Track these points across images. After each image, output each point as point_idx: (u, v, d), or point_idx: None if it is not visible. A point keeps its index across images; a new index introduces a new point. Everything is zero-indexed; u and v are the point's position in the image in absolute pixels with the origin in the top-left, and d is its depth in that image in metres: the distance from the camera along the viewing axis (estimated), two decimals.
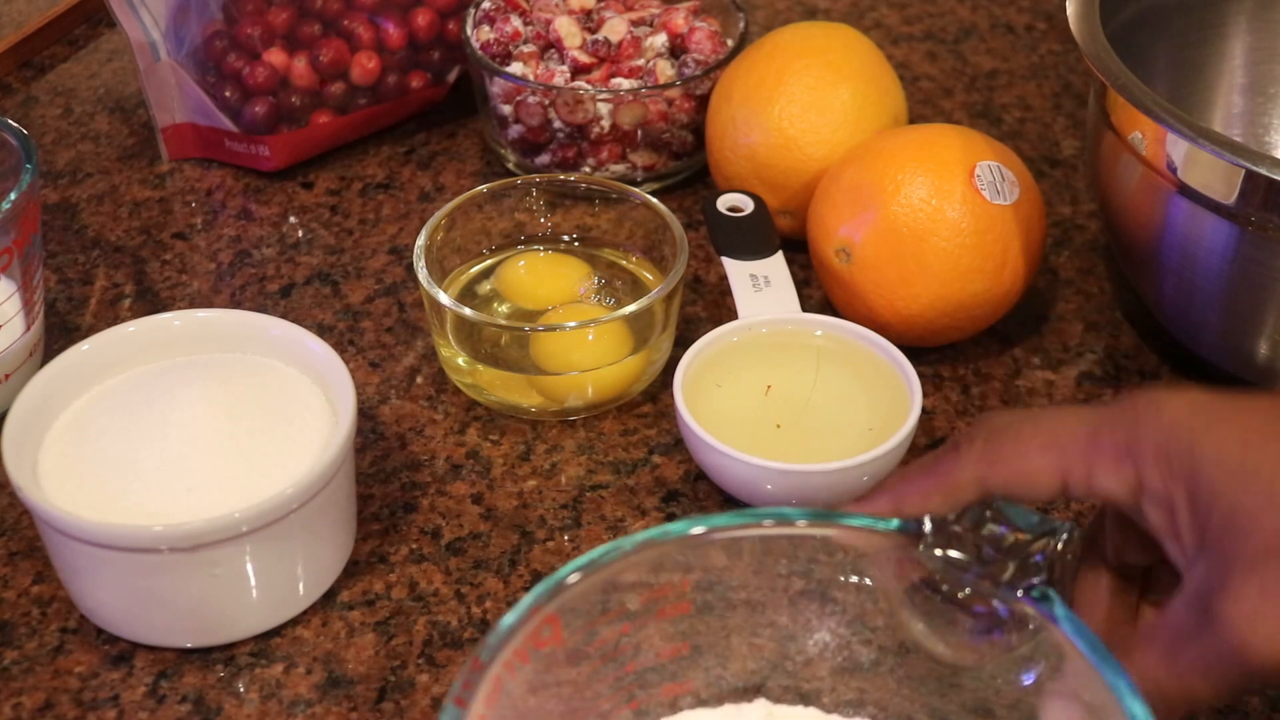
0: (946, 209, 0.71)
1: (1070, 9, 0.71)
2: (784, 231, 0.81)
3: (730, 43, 0.86)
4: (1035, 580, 0.47)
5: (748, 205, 0.78)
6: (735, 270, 0.75)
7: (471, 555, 0.66)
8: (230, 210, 0.85)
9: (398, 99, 0.88)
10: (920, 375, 0.67)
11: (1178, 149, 0.65)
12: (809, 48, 0.80)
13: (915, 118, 0.87)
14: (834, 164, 0.76)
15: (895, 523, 0.48)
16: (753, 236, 0.77)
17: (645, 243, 0.76)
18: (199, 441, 0.61)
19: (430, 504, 0.68)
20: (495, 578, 0.65)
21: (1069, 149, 0.90)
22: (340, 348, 0.75)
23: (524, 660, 0.47)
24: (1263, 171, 0.62)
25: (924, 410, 0.62)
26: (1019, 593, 0.47)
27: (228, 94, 0.86)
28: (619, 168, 0.84)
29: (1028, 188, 0.73)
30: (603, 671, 0.50)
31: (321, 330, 0.77)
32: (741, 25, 0.86)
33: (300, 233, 0.84)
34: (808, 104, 0.78)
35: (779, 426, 0.67)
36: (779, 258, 0.76)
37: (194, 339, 0.67)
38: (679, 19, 0.86)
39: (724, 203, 0.78)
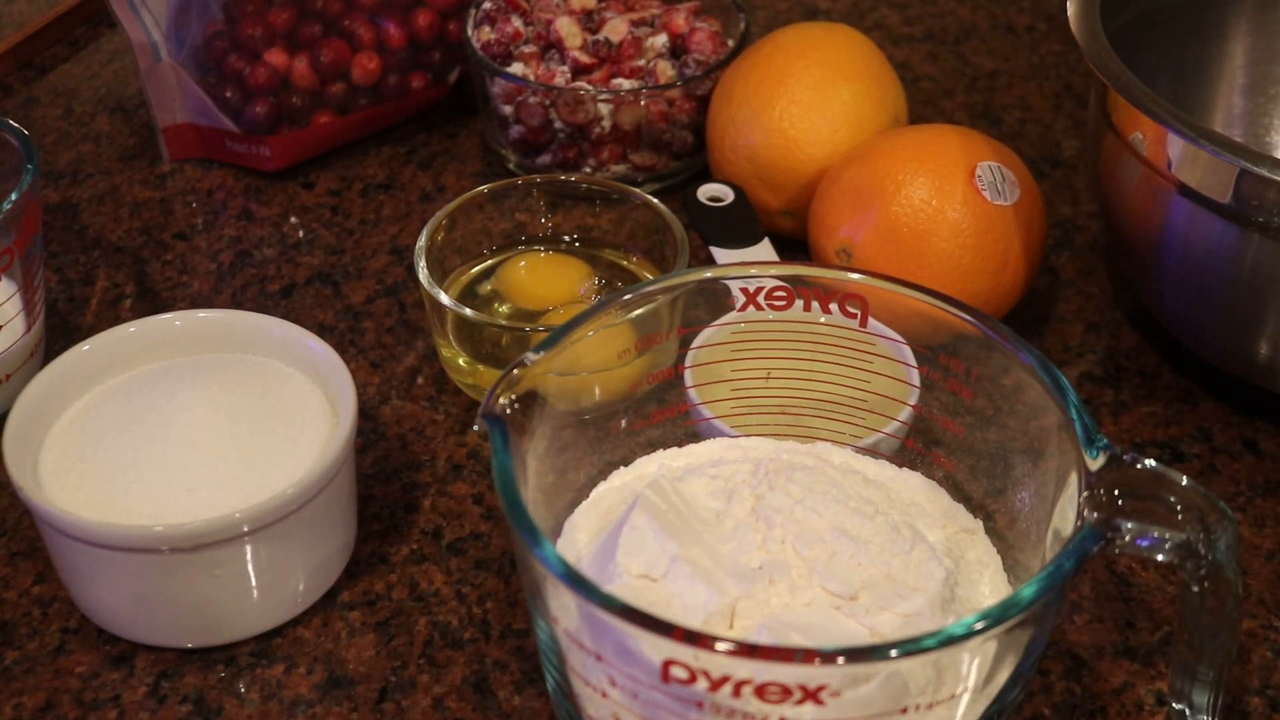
0: (947, 209, 0.71)
1: (1071, 9, 0.71)
2: (785, 232, 0.81)
3: (731, 43, 0.86)
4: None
5: (728, 195, 0.79)
6: (725, 260, 0.76)
7: (472, 555, 0.66)
8: (231, 210, 0.85)
9: (398, 99, 0.89)
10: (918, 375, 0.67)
11: (1178, 149, 0.65)
12: (809, 48, 0.80)
13: (916, 118, 0.87)
14: (835, 164, 0.76)
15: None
16: (737, 225, 0.78)
17: (646, 243, 0.76)
18: (200, 442, 0.61)
19: (431, 504, 0.68)
20: (496, 578, 0.65)
21: (1069, 149, 0.90)
22: (341, 348, 0.75)
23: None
24: (1263, 172, 0.62)
25: (922, 411, 0.62)
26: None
27: (228, 94, 0.86)
28: (620, 168, 0.84)
29: (1028, 188, 0.73)
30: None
31: (322, 330, 0.77)
32: (742, 26, 0.86)
33: (301, 233, 0.84)
34: (808, 104, 0.78)
35: (783, 412, 0.66)
36: (766, 245, 0.77)
37: (195, 339, 0.67)
38: (680, 19, 0.86)
39: (704, 193, 0.80)
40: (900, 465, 0.62)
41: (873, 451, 0.62)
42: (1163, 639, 0.62)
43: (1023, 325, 0.77)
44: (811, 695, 0.47)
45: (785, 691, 0.46)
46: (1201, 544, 0.50)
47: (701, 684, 0.47)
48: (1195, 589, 0.51)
